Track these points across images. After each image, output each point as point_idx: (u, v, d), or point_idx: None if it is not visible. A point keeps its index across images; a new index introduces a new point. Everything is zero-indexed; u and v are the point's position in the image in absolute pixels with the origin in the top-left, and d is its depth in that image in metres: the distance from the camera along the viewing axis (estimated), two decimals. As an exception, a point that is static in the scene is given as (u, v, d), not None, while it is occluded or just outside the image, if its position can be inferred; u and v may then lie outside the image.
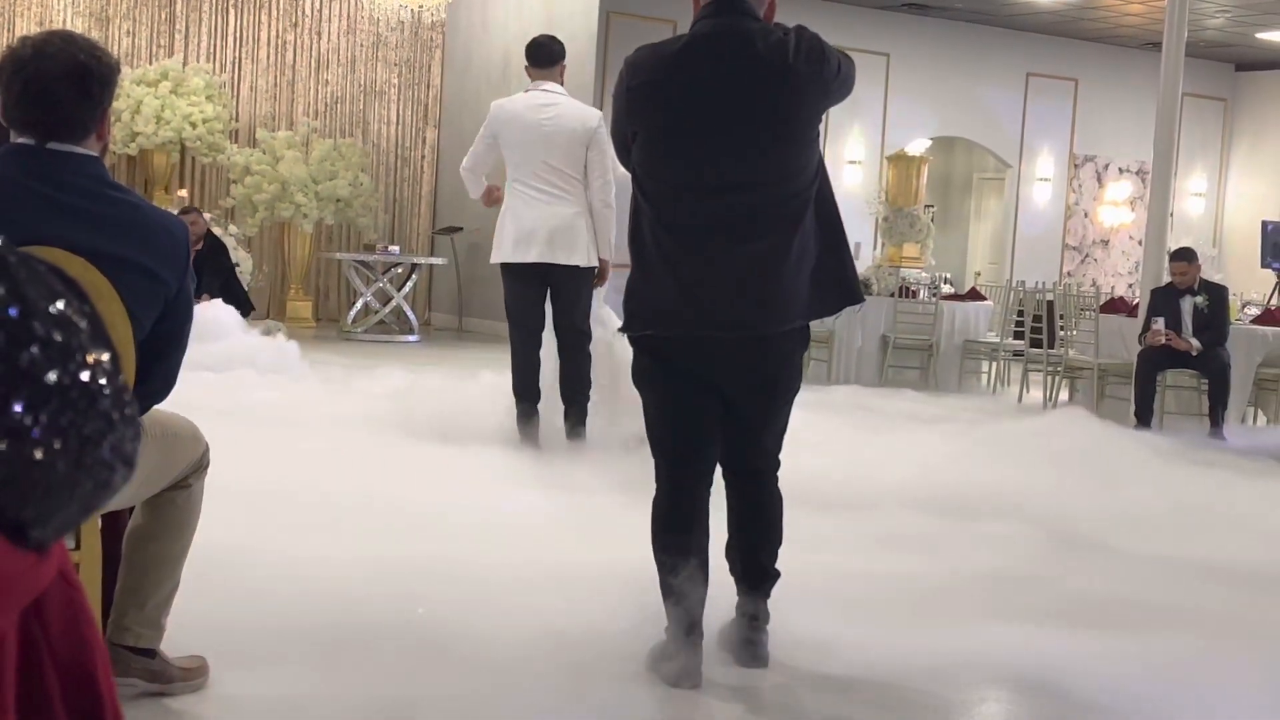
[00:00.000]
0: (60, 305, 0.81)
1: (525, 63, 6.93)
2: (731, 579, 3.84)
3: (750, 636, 3.78)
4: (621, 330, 3.80)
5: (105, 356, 0.82)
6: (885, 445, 7.65)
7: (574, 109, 6.80)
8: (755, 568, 3.82)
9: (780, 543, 3.86)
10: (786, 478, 3.89)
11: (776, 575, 3.85)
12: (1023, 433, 8.28)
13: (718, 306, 3.57)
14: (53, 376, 0.78)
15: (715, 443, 3.74)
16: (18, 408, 0.76)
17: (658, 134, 3.66)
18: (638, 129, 3.70)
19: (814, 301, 3.68)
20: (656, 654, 3.68)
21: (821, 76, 3.62)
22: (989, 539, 5.41)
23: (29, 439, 0.76)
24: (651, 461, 3.79)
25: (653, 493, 3.75)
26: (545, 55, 6.85)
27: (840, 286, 3.71)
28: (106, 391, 0.81)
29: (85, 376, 0.80)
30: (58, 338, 0.79)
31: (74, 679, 0.91)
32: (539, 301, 6.82)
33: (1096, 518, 5.97)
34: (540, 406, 6.86)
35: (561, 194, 6.70)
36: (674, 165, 3.63)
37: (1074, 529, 5.73)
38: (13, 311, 0.77)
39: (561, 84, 6.87)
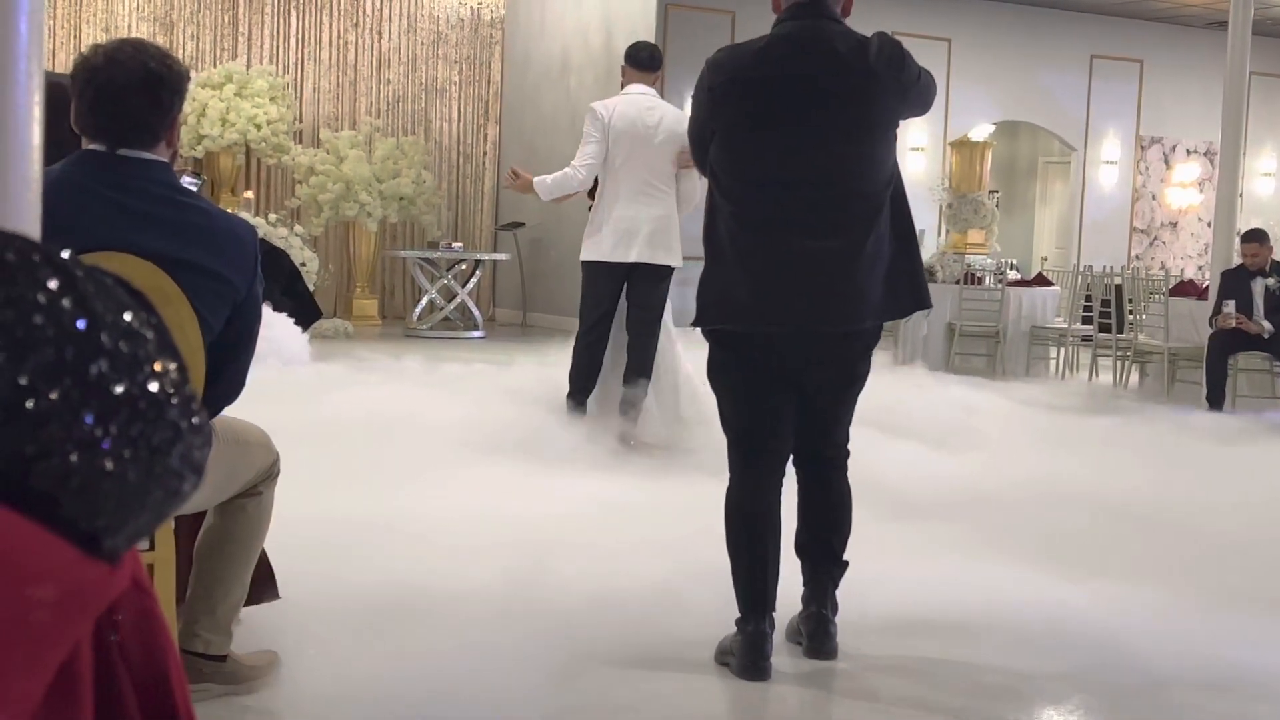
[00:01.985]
0: (127, 317, 0.82)
1: (623, 63, 7.11)
2: (800, 569, 3.84)
3: (820, 627, 3.78)
4: (694, 324, 3.82)
5: (172, 366, 0.83)
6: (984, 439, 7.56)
7: (674, 113, 7.03)
8: (826, 557, 3.83)
9: (850, 532, 3.87)
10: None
11: (846, 564, 3.86)
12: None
13: (787, 301, 3.60)
14: (121, 388, 0.79)
15: (789, 434, 3.77)
16: (88, 420, 0.77)
17: (736, 130, 3.69)
18: (717, 127, 3.73)
19: (886, 303, 3.71)
20: (726, 645, 3.69)
21: (900, 81, 3.66)
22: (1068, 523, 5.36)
23: (99, 450, 0.77)
24: (723, 453, 3.80)
25: (724, 484, 3.76)
26: (646, 59, 7.06)
27: (912, 291, 3.75)
28: (174, 401, 0.82)
29: (153, 387, 0.81)
30: (125, 349, 0.80)
31: (148, 685, 0.92)
32: (617, 300, 6.97)
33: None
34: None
35: (659, 194, 6.89)
36: (751, 161, 3.66)
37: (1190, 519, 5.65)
38: (81, 324, 0.78)
39: (657, 90, 7.12)
